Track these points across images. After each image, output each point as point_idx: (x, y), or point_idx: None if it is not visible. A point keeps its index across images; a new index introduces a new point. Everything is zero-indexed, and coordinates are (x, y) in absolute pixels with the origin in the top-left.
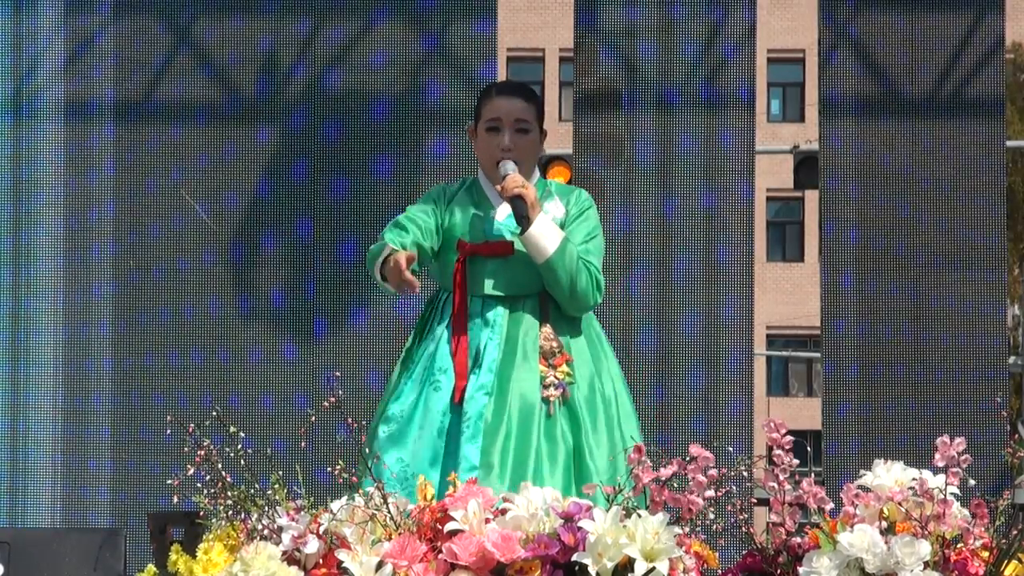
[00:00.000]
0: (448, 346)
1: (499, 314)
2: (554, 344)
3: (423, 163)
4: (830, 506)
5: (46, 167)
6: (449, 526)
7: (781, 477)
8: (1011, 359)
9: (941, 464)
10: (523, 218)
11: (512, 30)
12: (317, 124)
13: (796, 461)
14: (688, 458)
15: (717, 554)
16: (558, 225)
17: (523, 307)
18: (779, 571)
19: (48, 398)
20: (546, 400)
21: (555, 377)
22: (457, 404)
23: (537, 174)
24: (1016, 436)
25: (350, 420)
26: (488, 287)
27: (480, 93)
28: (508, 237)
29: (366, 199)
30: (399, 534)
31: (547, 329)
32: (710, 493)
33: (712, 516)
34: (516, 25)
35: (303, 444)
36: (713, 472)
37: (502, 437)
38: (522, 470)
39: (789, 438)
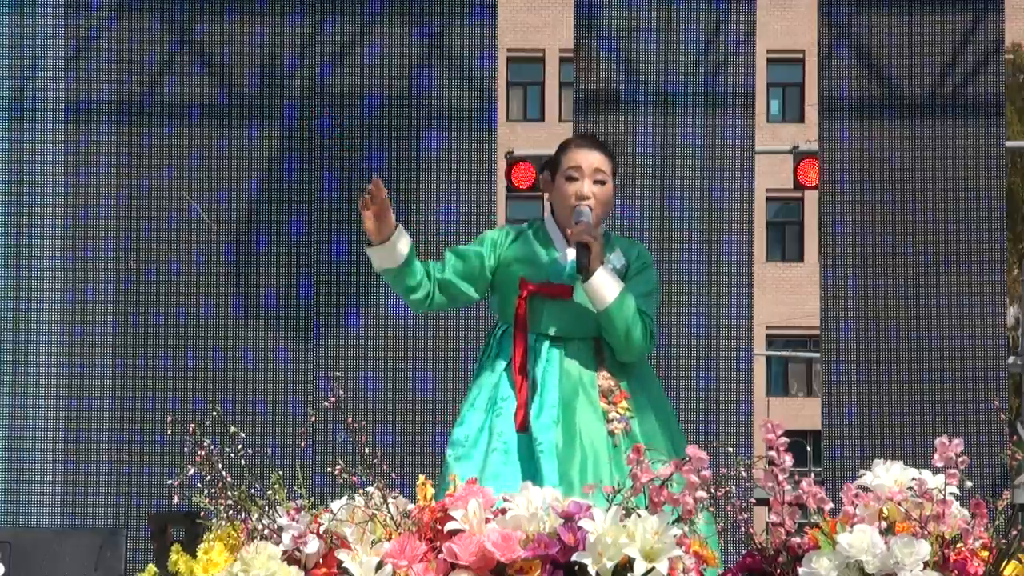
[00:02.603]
0: (508, 375)
1: (555, 352)
2: (611, 383)
3: (421, 162)
4: (830, 506)
5: (46, 167)
6: (449, 526)
7: (780, 477)
8: (1011, 359)
9: (940, 464)
10: (584, 267)
11: (512, 30)
12: (315, 123)
13: (792, 462)
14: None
15: (717, 554)
16: (620, 276)
17: (579, 348)
18: (779, 571)
19: (48, 398)
20: (611, 433)
21: (617, 412)
22: (519, 431)
23: (604, 226)
24: (1015, 437)
25: (350, 420)
26: (546, 326)
27: (560, 145)
28: (569, 282)
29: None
30: (399, 534)
31: (604, 371)
32: (701, 494)
33: (702, 520)
34: (516, 25)
35: (303, 444)
36: (707, 473)
37: (578, 460)
38: None
39: (784, 439)
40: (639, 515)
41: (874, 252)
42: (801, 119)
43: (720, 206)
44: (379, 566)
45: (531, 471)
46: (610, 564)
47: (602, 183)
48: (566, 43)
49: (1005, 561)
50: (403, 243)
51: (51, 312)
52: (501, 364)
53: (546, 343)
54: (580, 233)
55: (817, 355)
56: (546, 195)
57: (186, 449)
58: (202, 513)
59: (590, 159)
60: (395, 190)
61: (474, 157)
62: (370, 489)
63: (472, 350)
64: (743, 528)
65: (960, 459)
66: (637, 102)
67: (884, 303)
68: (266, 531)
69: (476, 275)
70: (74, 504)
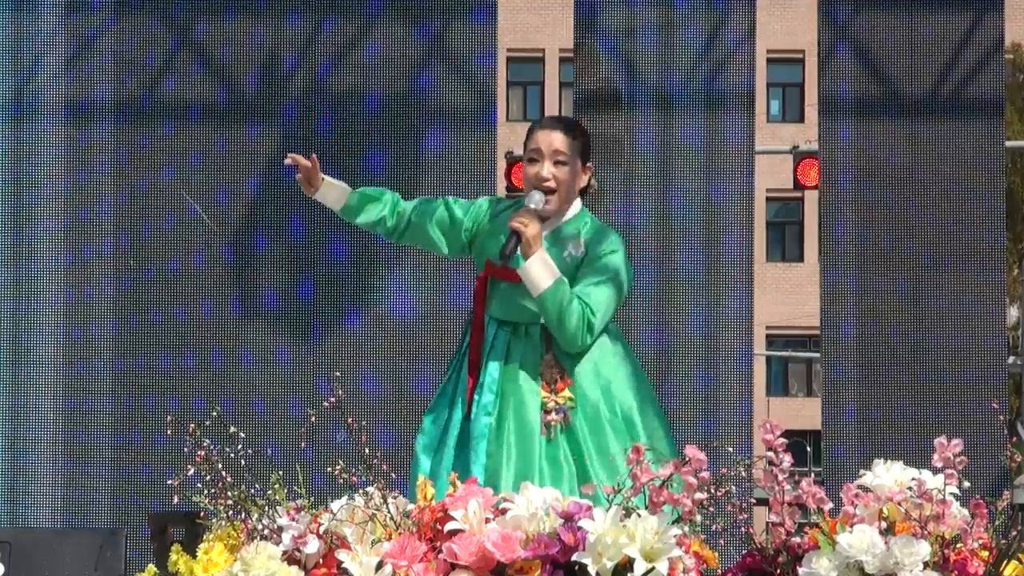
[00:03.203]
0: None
1: (502, 336)
2: (555, 370)
3: (421, 162)
4: (830, 506)
5: (46, 167)
6: (449, 526)
7: (780, 477)
8: (1011, 359)
9: (940, 464)
10: (503, 253)
11: (512, 30)
12: (315, 123)
13: (792, 462)
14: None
15: (717, 554)
16: (575, 263)
17: (526, 333)
18: (779, 571)
19: (48, 398)
20: (548, 424)
21: (556, 402)
22: (467, 419)
23: (577, 207)
24: (1015, 438)
25: (350, 420)
26: (496, 309)
27: (528, 128)
28: (513, 265)
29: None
30: (399, 534)
31: (549, 356)
32: (700, 495)
33: (700, 519)
34: (516, 25)
35: (303, 444)
36: (705, 475)
37: (504, 454)
38: None
39: (784, 439)
40: (639, 515)
41: (874, 252)
42: (801, 119)
43: (720, 206)
44: (379, 566)
45: (466, 462)
46: (610, 564)
47: (563, 163)
48: (566, 43)
49: (1005, 561)
50: (333, 193)
51: (51, 312)
52: (466, 351)
53: (495, 327)
54: (513, 218)
55: (817, 355)
56: None
57: (186, 449)
58: (202, 513)
59: (549, 140)
60: (395, 190)
61: (474, 157)
62: (370, 489)
63: None
64: (743, 528)
65: (959, 459)
66: (637, 102)
67: (884, 303)
68: (266, 531)
69: (448, 231)
70: (74, 504)
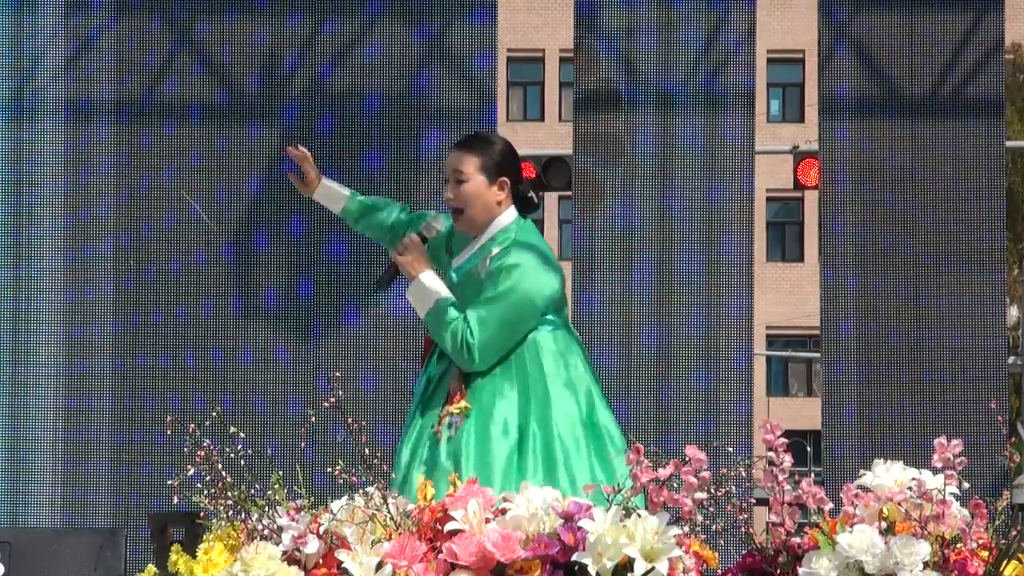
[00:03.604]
0: None
1: (434, 355)
2: (456, 384)
3: (421, 162)
4: (830, 506)
5: (46, 166)
6: (449, 526)
7: (780, 477)
8: (1011, 359)
9: (940, 464)
10: (379, 282)
11: (512, 30)
12: (315, 123)
13: (792, 462)
14: (684, 459)
15: (717, 554)
16: (480, 280)
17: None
18: (779, 571)
19: (48, 398)
20: (436, 437)
21: (449, 415)
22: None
23: (506, 221)
24: (1014, 438)
25: (350, 420)
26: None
27: None
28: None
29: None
30: (399, 534)
31: (456, 371)
32: (700, 495)
33: (701, 518)
34: (516, 25)
35: (303, 444)
36: (706, 474)
37: (406, 460)
38: None
39: (784, 439)
40: (639, 515)
41: (874, 252)
42: (801, 119)
43: (720, 206)
44: (379, 566)
45: None
46: (610, 564)
47: (463, 182)
48: (566, 43)
49: (1005, 561)
50: (331, 195)
51: (51, 312)
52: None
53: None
54: (397, 247)
55: (817, 355)
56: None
57: (186, 449)
58: (202, 513)
59: (450, 161)
60: (395, 190)
61: None
62: (370, 489)
63: None
64: (743, 528)
65: (959, 459)
66: (637, 102)
67: (884, 303)
68: (266, 531)
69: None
70: (74, 504)
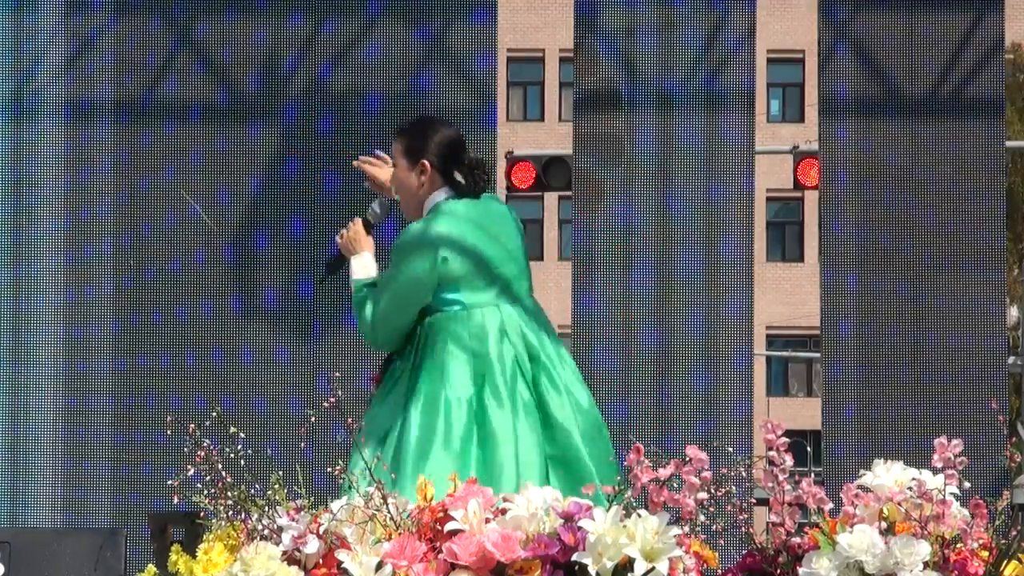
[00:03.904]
0: None
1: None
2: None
3: None
4: (830, 506)
5: (46, 167)
6: (449, 526)
7: (780, 477)
8: (1011, 359)
9: (940, 464)
10: (327, 265)
11: (512, 30)
12: (315, 123)
13: (792, 462)
14: (685, 459)
15: (717, 554)
16: None
17: None
18: (779, 571)
19: (48, 398)
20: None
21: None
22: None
23: (436, 200)
24: (1014, 438)
25: (350, 420)
26: None
27: None
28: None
29: (363, 198)
30: (399, 534)
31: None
32: (702, 495)
33: (703, 518)
34: (516, 25)
35: (303, 444)
36: (707, 475)
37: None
38: None
39: (784, 439)
40: (639, 515)
41: (874, 252)
42: (801, 119)
43: (720, 206)
44: (379, 566)
45: None
46: (610, 564)
47: (392, 167)
48: (566, 43)
49: (1005, 561)
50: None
51: (51, 312)
52: None
53: None
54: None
55: (817, 355)
56: None
57: (186, 449)
58: (202, 513)
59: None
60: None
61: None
62: (370, 489)
63: None
64: (743, 528)
65: (959, 459)
66: (637, 102)
67: (884, 303)
68: (266, 531)
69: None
70: (74, 504)
